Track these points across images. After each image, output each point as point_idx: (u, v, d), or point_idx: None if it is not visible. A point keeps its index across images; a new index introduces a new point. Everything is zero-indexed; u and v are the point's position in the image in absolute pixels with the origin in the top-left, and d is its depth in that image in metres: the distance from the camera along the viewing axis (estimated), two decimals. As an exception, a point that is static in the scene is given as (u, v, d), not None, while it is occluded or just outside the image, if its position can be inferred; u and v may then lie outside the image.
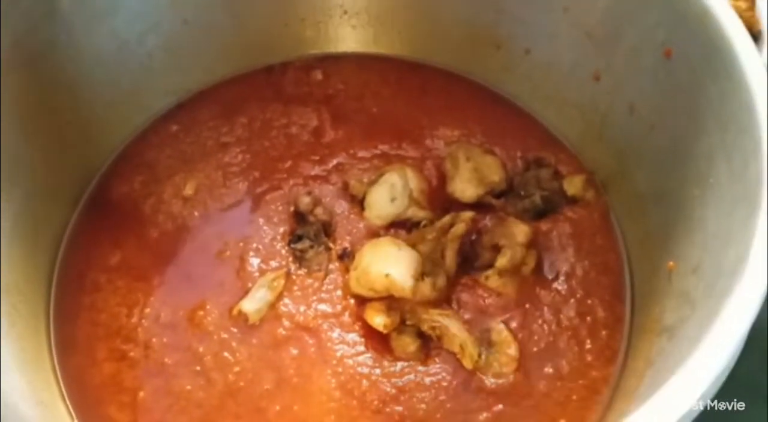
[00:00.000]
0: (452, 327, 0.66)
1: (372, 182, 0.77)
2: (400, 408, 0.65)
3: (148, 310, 0.71)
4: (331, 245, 0.74)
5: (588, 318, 0.70)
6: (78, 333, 0.70)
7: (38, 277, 0.72)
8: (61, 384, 0.68)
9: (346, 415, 0.65)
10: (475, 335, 0.68)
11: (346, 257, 0.73)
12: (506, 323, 0.70)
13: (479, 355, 0.66)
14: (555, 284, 0.73)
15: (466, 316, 0.70)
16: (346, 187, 0.78)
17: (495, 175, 0.76)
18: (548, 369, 0.68)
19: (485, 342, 0.69)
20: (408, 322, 0.68)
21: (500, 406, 0.66)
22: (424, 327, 0.67)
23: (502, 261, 0.70)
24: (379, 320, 0.67)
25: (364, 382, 0.66)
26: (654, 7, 0.64)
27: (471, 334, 0.67)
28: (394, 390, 0.66)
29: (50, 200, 0.74)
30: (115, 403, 0.66)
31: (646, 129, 0.70)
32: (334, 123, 0.84)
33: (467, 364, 0.65)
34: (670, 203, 0.66)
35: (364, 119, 0.84)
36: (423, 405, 0.65)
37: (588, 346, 0.69)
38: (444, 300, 0.69)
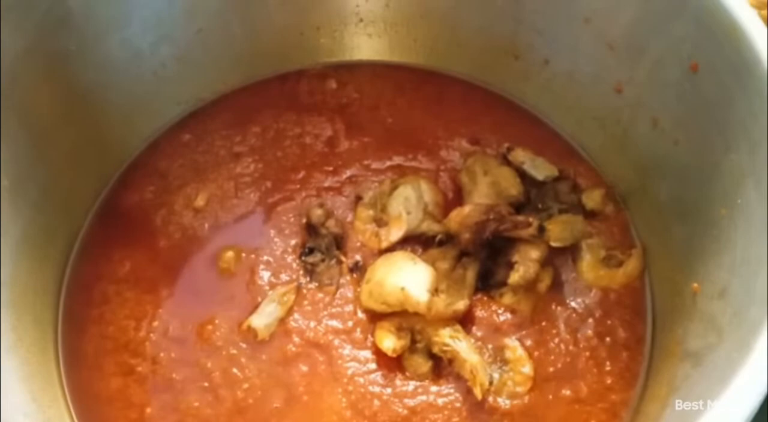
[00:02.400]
0: (463, 352, 0.64)
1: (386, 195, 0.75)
2: (412, 430, 0.64)
3: (156, 323, 0.70)
4: (342, 258, 0.73)
5: (607, 339, 0.68)
6: (86, 346, 0.69)
7: (47, 288, 0.71)
8: (68, 399, 0.67)
9: (357, 436, 0.63)
10: (488, 353, 0.67)
11: (358, 270, 0.72)
12: (521, 341, 0.68)
13: (490, 383, 0.64)
14: (572, 303, 0.71)
15: (479, 333, 0.68)
16: (359, 199, 0.76)
17: (513, 188, 0.74)
18: (566, 391, 0.66)
19: (498, 359, 0.67)
20: (418, 344, 0.66)
21: (515, 429, 0.64)
22: (435, 349, 0.66)
23: (514, 277, 0.68)
24: (388, 343, 0.65)
25: (376, 402, 0.65)
26: (680, 20, 0.62)
27: (482, 358, 0.65)
28: (405, 411, 0.64)
29: (60, 210, 0.73)
30: (122, 419, 0.65)
31: (670, 144, 0.67)
32: (348, 133, 0.82)
33: (477, 394, 0.62)
34: (695, 221, 0.63)
35: (378, 129, 0.82)
36: (436, 428, 0.64)
37: (608, 368, 0.67)
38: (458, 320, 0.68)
